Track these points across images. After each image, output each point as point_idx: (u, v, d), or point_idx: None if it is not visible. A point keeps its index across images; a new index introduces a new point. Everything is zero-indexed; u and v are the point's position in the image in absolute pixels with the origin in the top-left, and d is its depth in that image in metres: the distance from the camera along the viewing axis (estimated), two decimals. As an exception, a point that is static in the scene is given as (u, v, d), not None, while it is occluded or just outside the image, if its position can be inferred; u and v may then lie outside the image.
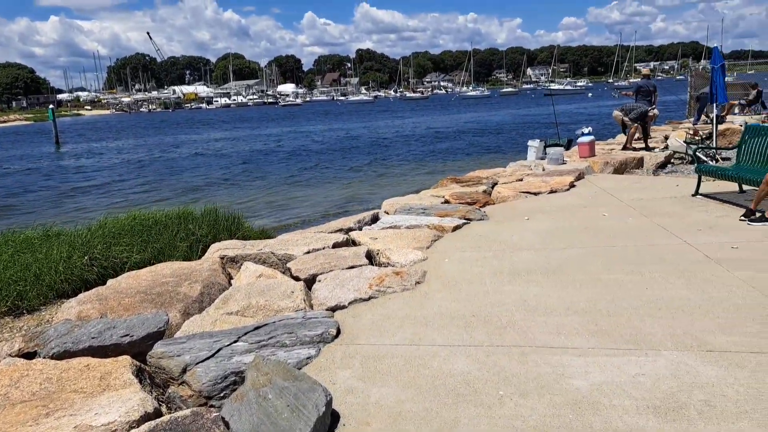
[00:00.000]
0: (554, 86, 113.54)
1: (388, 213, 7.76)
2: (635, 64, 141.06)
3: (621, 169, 10.67)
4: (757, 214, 6.16)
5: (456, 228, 6.63)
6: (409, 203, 8.03)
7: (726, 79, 12.09)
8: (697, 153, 8.77)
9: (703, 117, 16.96)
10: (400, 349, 3.56)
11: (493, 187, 9.08)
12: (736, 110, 18.94)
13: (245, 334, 3.63)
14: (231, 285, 5.15)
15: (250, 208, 13.93)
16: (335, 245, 5.92)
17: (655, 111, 12.80)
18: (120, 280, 5.13)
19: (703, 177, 7.83)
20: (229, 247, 5.93)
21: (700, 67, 23.40)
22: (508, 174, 10.33)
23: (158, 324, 3.96)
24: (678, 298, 4.16)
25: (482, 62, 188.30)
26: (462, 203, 7.96)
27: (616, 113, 13.01)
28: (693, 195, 7.70)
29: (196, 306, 4.61)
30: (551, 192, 8.57)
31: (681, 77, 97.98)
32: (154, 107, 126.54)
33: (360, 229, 6.89)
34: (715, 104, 11.69)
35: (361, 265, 5.17)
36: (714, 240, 5.57)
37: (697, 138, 13.00)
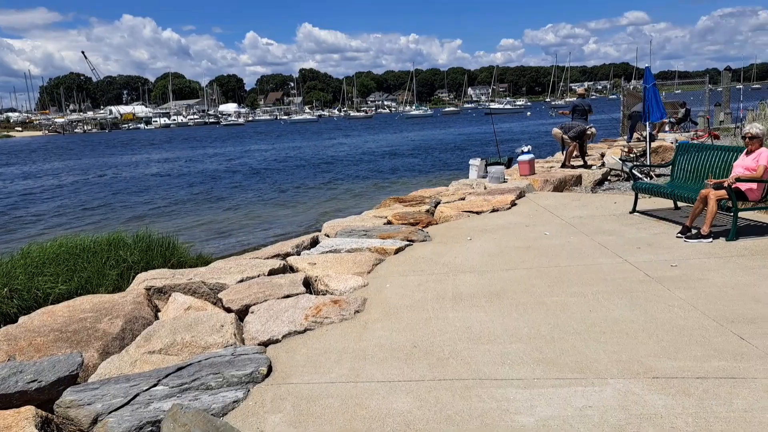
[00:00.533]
0: (494, 105, 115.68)
1: (328, 236, 7.52)
2: (570, 84, 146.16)
3: (560, 186, 10.79)
4: (693, 231, 6.25)
5: (398, 250, 6.46)
6: (350, 225, 7.81)
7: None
8: (633, 171, 8.93)
9: (635, 135, 17.49)
10: (337, 388, 3.32)
11: (436, 207, 8.98)
12: (667, 128, 19.67)
13: (166, 376, 3.32)
14: (158, 319, 4.79)
15: (193, 234, 13.32)
16: (271, 272, 5.63)
17: (593, 129, 13.09)
18: (33, 317, 4.69)
19: (639, 194, 7.95)
20: (157, 276, 5.55)
21: (631, 86, 24.23)
22: (451, 193, 10.27)
23: (70, 367, 3.60)
24: (621, 320, 4.09)
25: (424, 82, 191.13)
26: (405, 224, 7.81)
27: (556, 131, 13.23)
28: (631, 212, 7.79)
29: (116, 344, 4.24)
30: (493, 211, 8.52)
31: (613, 96, 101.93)
32: (90, 128, 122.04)
33: (298, 254, 6.63)
34: (647, 122, 12.04)
35: (297, 294, 4.91)
36: (653, 258, 5.59)
37: (632, 155, 13.34)
